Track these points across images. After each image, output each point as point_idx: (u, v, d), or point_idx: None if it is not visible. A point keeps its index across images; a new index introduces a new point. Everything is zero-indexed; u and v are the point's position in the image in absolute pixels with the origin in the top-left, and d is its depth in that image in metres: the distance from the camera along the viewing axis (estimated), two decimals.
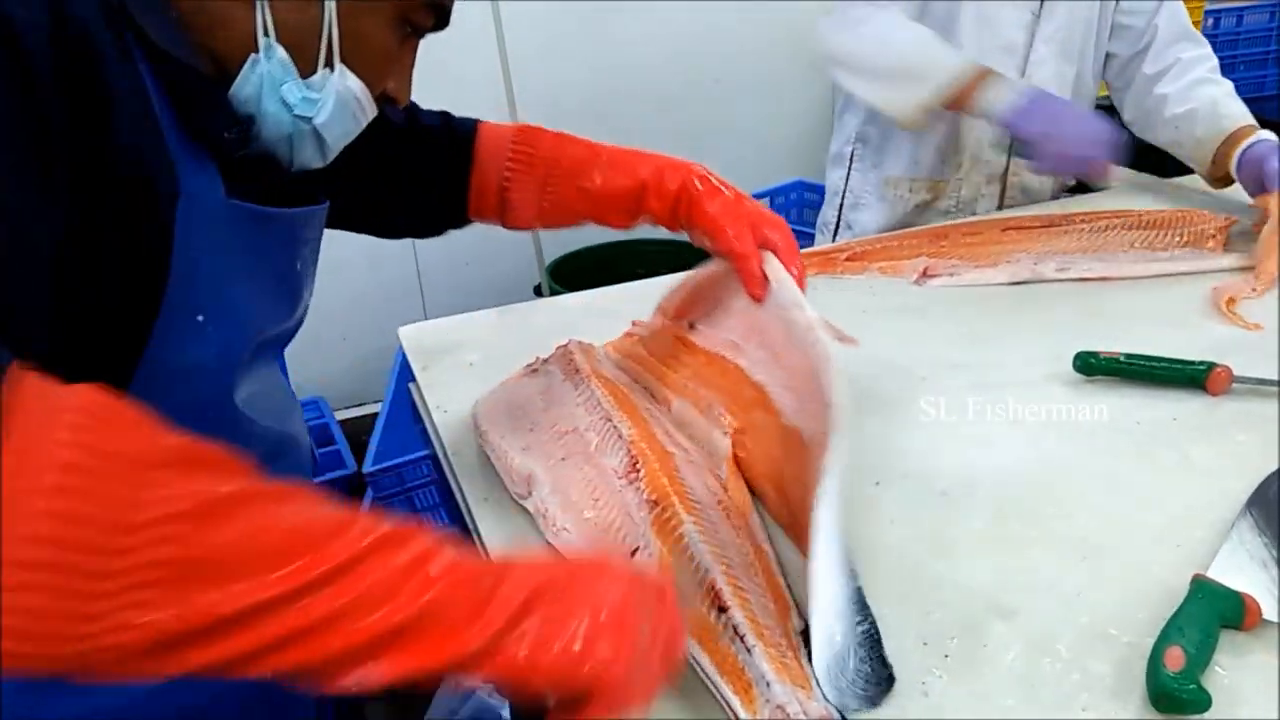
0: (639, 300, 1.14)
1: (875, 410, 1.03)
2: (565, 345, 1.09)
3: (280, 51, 0.68)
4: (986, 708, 0.67)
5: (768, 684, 0.66)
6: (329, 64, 0.70)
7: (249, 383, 0.78)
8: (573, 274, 2.55)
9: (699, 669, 0.69)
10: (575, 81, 2.73)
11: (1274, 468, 0.88)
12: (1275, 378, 1.02)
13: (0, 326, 0.54)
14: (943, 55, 1.42)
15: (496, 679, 0.51)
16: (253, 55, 0.68)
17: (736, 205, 0.94)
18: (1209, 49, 1.54)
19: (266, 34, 0.68)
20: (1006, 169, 1.61)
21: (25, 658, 0.42)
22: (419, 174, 0.99)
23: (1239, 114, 1.47)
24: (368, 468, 1.98)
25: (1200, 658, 0.67)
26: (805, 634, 0.72)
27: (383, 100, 0.76)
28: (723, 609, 0.72)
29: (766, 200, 2.81)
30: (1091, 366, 1.05)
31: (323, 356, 2.58)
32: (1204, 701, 0.64)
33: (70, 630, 0.42)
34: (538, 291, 2.54)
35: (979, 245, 1.39)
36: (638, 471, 0.84)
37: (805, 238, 2.16)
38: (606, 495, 0.84)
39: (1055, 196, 1.66)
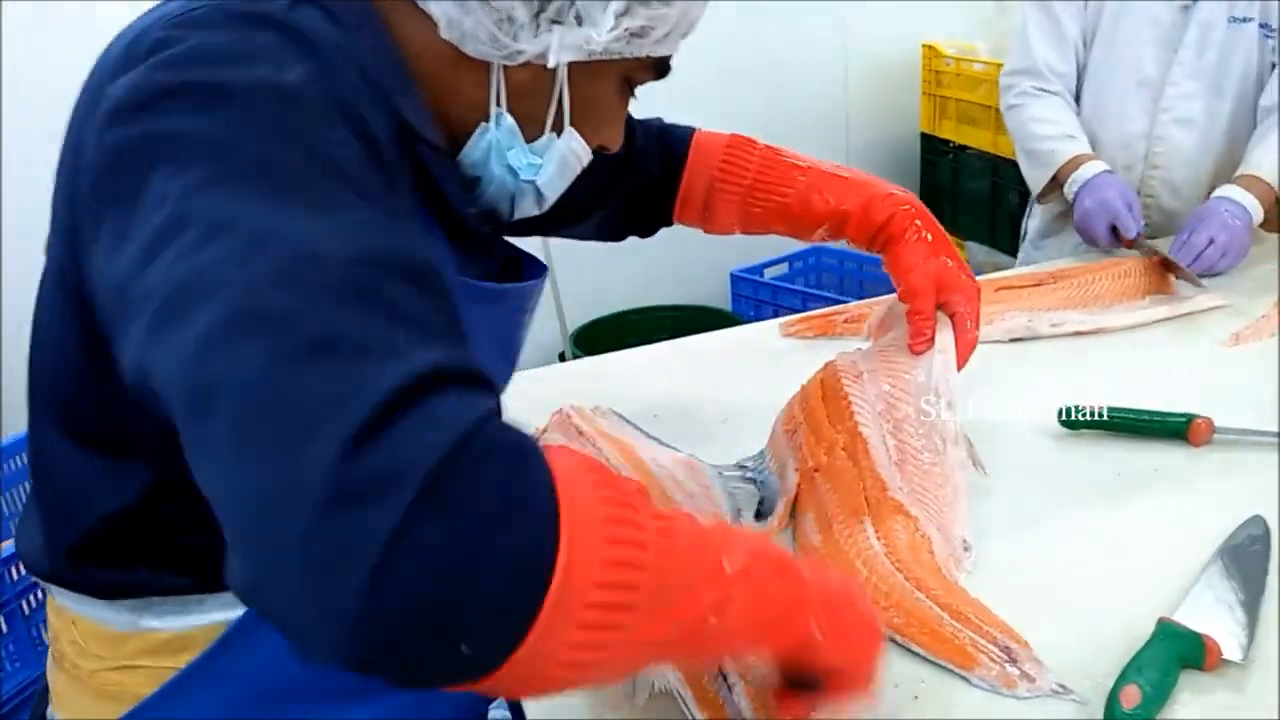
0: (658, 363, 1.19)
1: None
2: (561, 411, 1.14)
3: (509, 119, 0.70)
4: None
5: (740, 713, 0.71)
6: (556, 128, 0.72)
7: None
8: (595, 339, 2.63)
9: (681, 703, 0.73)
10: None
11: (1250, 514, 0.91)
12: (1256, 428, 1.05)
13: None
14: (1059, 147, 1.66)
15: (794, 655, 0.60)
16: (483, 123, 0.70)
17: (930, 256, 0.96)
18: None
19: (499, 103, 0.69)
20: (1140, 191, 1.70)
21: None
22: (632, 190, 1.03)
23: (1257, 162, 1.54)
24: None
25: (1157, 696, 0.70)
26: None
27: (597, 150, 0.77)
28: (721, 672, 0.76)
29: (784, 266, 2.88)
30: (1076, 422, 1.08)
31: None
32: None
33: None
34: (561, 358, 2.62)
35: None
36: None
37: (823, 302, 2.22)
38: None
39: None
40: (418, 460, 0.42)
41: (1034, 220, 1.87)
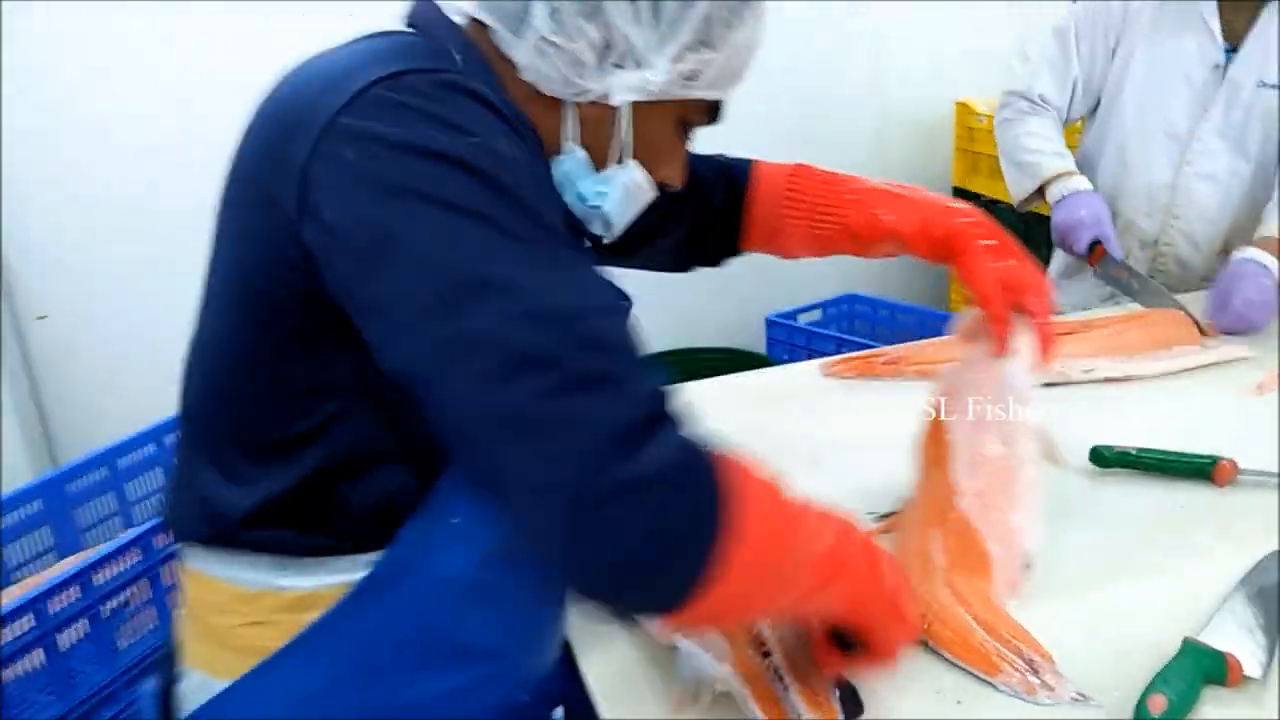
0: (704, 399, 1.25)
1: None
2: None
3: (580, 152, 0.80)
4: None
5: (799, 716, 0.78)
6: (619, 159, 0.81)
7: None
8: None
9: (742, 703, 0.80)
10: None
11: (1271, 549, 0.97)
12: (1277, 470, 1.12)
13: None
14: (1046, 161, 1.77)
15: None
16: (556, 155, 0.80)
17: (997, 262, 1.00)
18: None
19: (570, 137, 0.79)
20: (1158, 239, 1.80)
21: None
22: (697, 220, 1.11)
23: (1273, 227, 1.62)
24: None
25: (1182, 705, 0.76)
26: (845, 687, 0.83)
27: (661, 185, 0.86)
28: (766, 654, 0.84)
29: (819, 312, 2.96)
30: (1105, 459, 1.15)
31: None
32: None
33: None
34: None
35: None
36: None
37: (856, 347, 2.29)
38: None
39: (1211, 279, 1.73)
40: (660, 458, 0.62)
41: (1055, 263, 1.95)
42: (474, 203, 0.64)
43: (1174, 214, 1.77)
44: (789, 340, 2.85)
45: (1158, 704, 0.76)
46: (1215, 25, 1.69)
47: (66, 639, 1.49)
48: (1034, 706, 0.81)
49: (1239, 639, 0.84)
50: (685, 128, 0.86)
